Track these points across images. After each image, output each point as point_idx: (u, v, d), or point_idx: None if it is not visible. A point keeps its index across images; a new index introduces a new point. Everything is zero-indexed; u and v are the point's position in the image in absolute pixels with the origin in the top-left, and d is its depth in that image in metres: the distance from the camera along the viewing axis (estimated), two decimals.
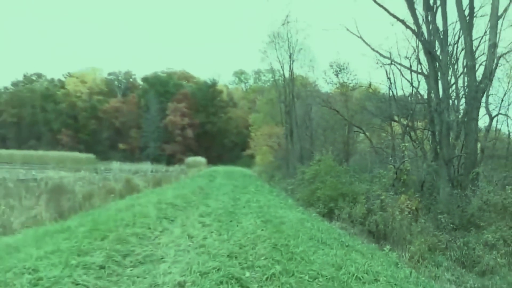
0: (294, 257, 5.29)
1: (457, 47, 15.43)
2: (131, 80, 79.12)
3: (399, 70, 17.62)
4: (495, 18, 12.12)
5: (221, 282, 4.12)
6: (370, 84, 20.86)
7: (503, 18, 13.68)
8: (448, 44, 13.64)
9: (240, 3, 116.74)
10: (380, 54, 16.20)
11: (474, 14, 12.75)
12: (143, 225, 6.93)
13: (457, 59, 15.70)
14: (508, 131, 16.55)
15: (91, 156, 57.01)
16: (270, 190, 19.16)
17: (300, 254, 5.48)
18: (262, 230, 7.04)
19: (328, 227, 9.77)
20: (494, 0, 12.05)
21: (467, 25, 12.19)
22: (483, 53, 14.53)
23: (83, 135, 67.58)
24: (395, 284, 4.95)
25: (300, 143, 26.79)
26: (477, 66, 13.76)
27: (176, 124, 64.54)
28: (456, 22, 14.04)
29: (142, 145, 65.81)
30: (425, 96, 15.48)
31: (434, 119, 12.46)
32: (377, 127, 21.15)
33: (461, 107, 14.59)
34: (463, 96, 14.32)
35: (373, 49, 15.65)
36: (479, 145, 13.28)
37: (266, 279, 4.44)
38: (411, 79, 17.49)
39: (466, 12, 12.23)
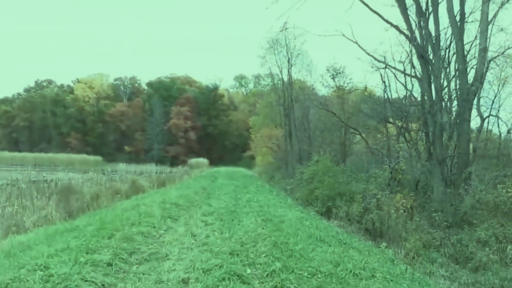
0: (293, 254, 5.33)
1: (449, 52, 15.64)
2: (136, 85, 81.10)
3: (394, 73, 17.88)
4: (485, 23, 12.40)
5: (224, 279, 4.17)
6: (365, 87, 21.11)
7: (493, 24, 13.93)
8: (440, 48, 13.85)
9: (240, 10, 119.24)
10: (375, 59, 16.32)
11: (465, 20, 12.95)
12: (148, 224, 7.04)
13: (449, 63, 15.91)
14: (499, 131, 16.79)
15: (98, 158, 58.67)
16: (270, 190, 19.28)
17: (299, 251, 5.52)
18: (263, 228, 7.12)
19: (326, 225, 9.82)
20: (484, 6, 12.31)
21: (458, 30, 12.38)
22: (474, 57, 14.72)
23: (91, 138, 69.40)
24: (391, 280, 4.97)
25: (298, 144, 26.98)
26: (468, 69, 14.05)
27: (179, 127, 66.08)
28: (448, 27, 14.21)
29: (147, 147, 67.42)
30: (419, 99, 15.63)
31: (428, 120, 12.59)
32: (373, 128, 21.27)
33: (453, 109, 14.71)
34: (455, 98, 14.45)
35: (368, 54, 15.75)
36: (471, 145, 13.41)
37: (267, 275, 4.50)
38: (405, 82, 17.74)
39: (457, 18, 12.44)
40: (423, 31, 12.66)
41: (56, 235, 6.21)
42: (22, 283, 3.73)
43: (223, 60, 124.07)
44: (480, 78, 12.52)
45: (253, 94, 75.32)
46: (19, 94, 78.18)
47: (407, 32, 13.02)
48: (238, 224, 7.70)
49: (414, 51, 14.60)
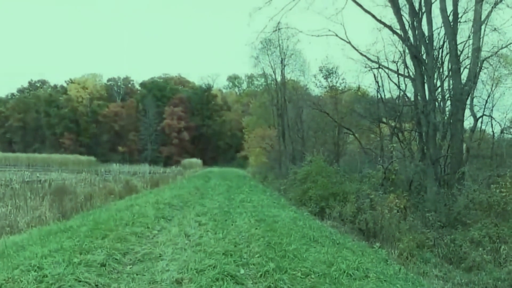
0: (287, 254, 5.33)
1: (442, 51, 15.75)
2: (129, 85, 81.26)
3: (387, 73, 17.98)
4: (478, 23, 12.52)
5: (217, 279, 4.17)
6: (359, 87, 21.14)
7: (486, 24, 14.03)
8: (434, 48, 13.93)
9: (234, 11, 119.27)
10: (368, 59, 16.40)
11: (458, 20, 13.08)
12: (141, 224, 7.03)
13: (442, 63, 16.01)
14: (492, 131, 16.89)
15: (92, 158, 59.12)
16: (264, 190, 19.26)
17: (293, 251, 5.51)
18: (256, 229, 7.12)
19: (320, 225, 9.79)
20: (477, 6, 12.43)
21: (451, 30, 12.48)
22: (467, 57, 14.89)
23: (84, 139, 69.59)
24: (384, 280, 4.93)
25: (292, 144, 27.08)
26: (461, 69, 14.15)
27: (172, 127, 66.42)
28: (441, 27, 14.33)
29: (141, 148, 67.83)
30: (412, 99, 15.76)
31: (421, 120, 12.66)
32: (366, 128, 21.42)
33: (447, 109, 14.82)
34: (449, 98, 14.51)
35: (361, 54, 15.86)
36: (464, 145, 13.54)
37: (260, 276, 4.51)
38: (398, 82, 17.82)
39: (451, 18, 12.55)
40: (416, 31, 12.76)
41: (49, 235, 6.16)
42: (16, 284, 3.71)
43: (216, 60, 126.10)
44: (473, 78, 12.67)
45: (246, 94, 75.31)
46: (12, 94, 78.76)
47: (400, 32, 13.12)
48: (232, 225, 7.70)
49: (407, 51, 14.73)
